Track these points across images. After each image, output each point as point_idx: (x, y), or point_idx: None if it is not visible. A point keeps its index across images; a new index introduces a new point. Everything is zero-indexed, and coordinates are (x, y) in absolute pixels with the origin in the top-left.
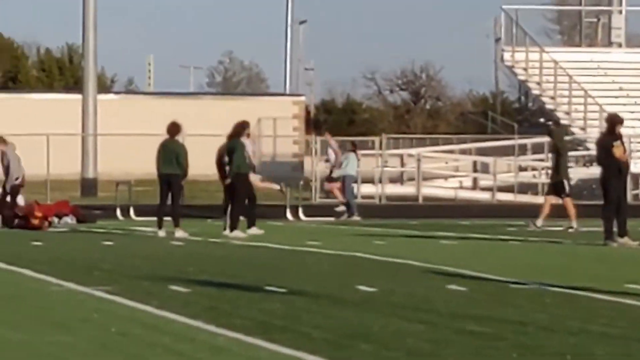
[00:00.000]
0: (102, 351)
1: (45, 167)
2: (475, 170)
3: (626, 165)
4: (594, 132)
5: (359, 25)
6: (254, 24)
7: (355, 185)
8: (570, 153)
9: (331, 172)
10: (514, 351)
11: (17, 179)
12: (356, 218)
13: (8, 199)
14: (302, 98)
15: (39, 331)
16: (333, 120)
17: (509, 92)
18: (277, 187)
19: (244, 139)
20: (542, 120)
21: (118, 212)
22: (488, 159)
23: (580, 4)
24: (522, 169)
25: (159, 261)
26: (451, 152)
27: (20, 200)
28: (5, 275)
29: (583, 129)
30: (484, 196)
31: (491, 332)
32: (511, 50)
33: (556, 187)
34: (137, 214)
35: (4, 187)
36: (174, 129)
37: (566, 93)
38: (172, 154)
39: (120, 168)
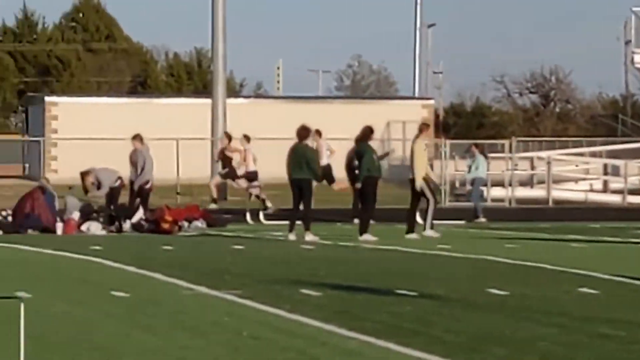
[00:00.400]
0: (234, 355)
1: (175, 172)
2: (605, 173)
3: None
4: None
5: (488, 28)
6: (382, 27)
7: (484, 188)
8: None
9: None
10: None
11: (148, 181)
12: (482, 220)
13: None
14: (431, 101)
15: (172, 335)
16: (462, 123)
17: (639, 95)
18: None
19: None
20: None
21: (248, 216)
22: (619, 162)
23: None
24: None
25: (290, 265)
26: (581, 154)
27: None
28: (137, 279)
29: None
30: (615, 199)
31: (625, 335)
32: None
33: None
34: (267, 218)
35: (132, 189)
36: (303, 132)
37: None
38: (302, 159)
39: None
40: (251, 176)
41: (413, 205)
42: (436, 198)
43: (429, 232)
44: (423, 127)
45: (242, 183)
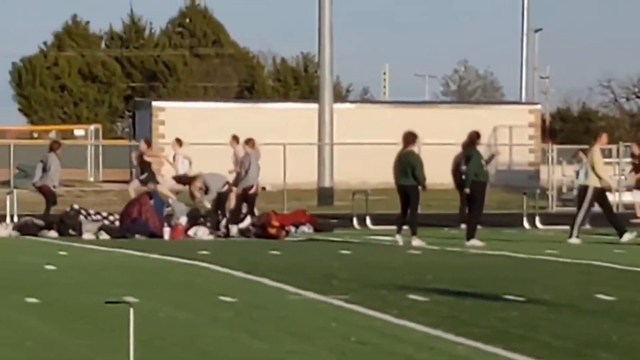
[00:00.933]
0: None
1: (282, 177)
2: None
3: None
4: None
5: (595, 32)
6: (488, 32)
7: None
8: None
9: None
10: None
11: (252, 186)
12: (587, 227)
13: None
14: (538, 106)
15: (279, 340)
16: (569, 128)
17: None
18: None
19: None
20: None
21: (355, 221)
22: None
23: None
24: None
25: (397, 270)
26: None
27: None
28: (244, 284)
29: None
30: None
31: None
32: None
33: None
34: (374, 222)
35: (238, 194)
36: (409, 138)
37: None
38: (407, 166)
39: (357, 177)
40: (182, 179)
41: (607, 211)
42: (590, 209)
43: (574, 240)
44: (599, 134)
45: (161, 188)
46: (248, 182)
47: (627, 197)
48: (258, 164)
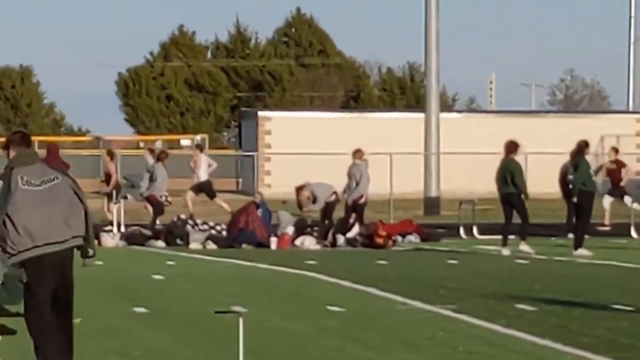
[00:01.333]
0: None
1: (388, 186)
2: None
3: None
4: None
5: None
6: (595, 41)
7: None
8: None
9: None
10: None
11: (361, 196)
12: None
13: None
14: None
15: (387, 349)
16: None
17: None
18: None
19: None
20: None
21: (461, 230)
22: None
23: None
24: None
25: (504, 280)
26: None
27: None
28: (351, 293)
29: None
30: None
31: None
32: None
33: None
34: (481, 232)
35: (347, 204)
36: (511, 146)
37: None
38: (507, 173)
39: (463, 186)
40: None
41: None
42: None
43: None
44: None
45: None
46: (359, 192)
47: None
48: (368, 174)
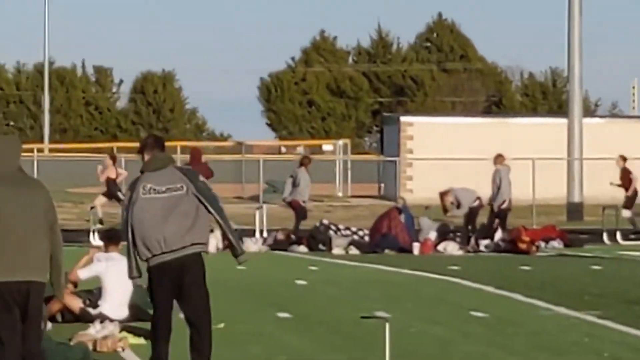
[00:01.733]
0: None
1: (531, 192)
2: None
3: None
4: None
5: None
6: None
7: None
8: None
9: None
10: None
11: (504, 202)
12: None
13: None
14: None
15: (531, 355)
16: None
17: None
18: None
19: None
20: None
21: (605, 236)
22: None
23: None
24: None
25: None
26: None
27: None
28: (495, 299)
29: None
30: None
31: None
32: None
33: None
34: (625, 238)
35: (491, 210)
36: None
37: None
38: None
39: (607, 192)
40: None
41: None
42: None
43: None
44: None
45: (99, 200)
46: (501, 197)
47: None
48: (509, 179)
